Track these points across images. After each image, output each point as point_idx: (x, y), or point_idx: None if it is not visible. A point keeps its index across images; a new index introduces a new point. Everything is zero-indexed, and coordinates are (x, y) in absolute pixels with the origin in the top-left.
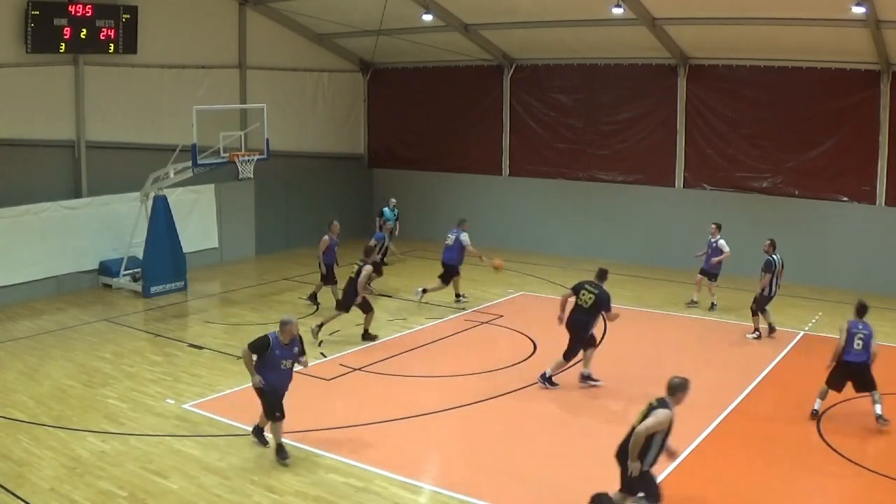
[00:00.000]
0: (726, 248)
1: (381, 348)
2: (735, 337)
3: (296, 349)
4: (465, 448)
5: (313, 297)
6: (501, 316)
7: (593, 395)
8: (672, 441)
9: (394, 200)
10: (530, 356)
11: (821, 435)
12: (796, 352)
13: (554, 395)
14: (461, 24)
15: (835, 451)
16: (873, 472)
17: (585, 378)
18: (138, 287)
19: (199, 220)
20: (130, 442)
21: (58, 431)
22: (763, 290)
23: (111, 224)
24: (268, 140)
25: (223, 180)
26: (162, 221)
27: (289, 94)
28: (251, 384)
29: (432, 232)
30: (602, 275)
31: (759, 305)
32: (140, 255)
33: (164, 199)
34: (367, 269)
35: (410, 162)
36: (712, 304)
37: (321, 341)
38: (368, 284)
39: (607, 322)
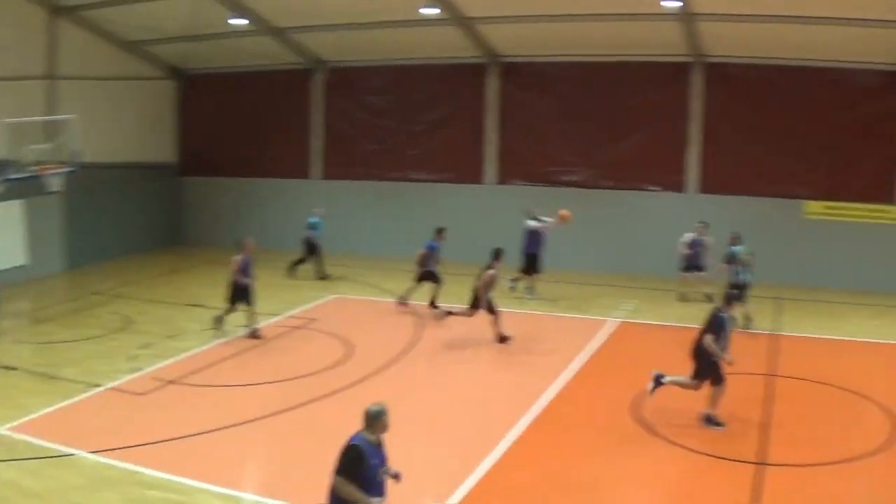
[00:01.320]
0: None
1: (193, 359)
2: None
3: (384, 450)
4: (284, 455)
5: (218, 321)
6: (315, 320)
7: (407, 396)
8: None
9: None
10: (346, 359)
11: (637, 420)
12: (614, 339)
13: (371, 397)
14: (272, 28)
15: (655, 433)
16: (691, 450)
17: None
18: None
19: (3, 237)
20: None
21: None
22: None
23: None
24: (76, 151)
25: (31, 194)
26: None
27: (101, 104)
28: None
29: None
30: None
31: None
32: None
33: None
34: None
35: (221, 169)
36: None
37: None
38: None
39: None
